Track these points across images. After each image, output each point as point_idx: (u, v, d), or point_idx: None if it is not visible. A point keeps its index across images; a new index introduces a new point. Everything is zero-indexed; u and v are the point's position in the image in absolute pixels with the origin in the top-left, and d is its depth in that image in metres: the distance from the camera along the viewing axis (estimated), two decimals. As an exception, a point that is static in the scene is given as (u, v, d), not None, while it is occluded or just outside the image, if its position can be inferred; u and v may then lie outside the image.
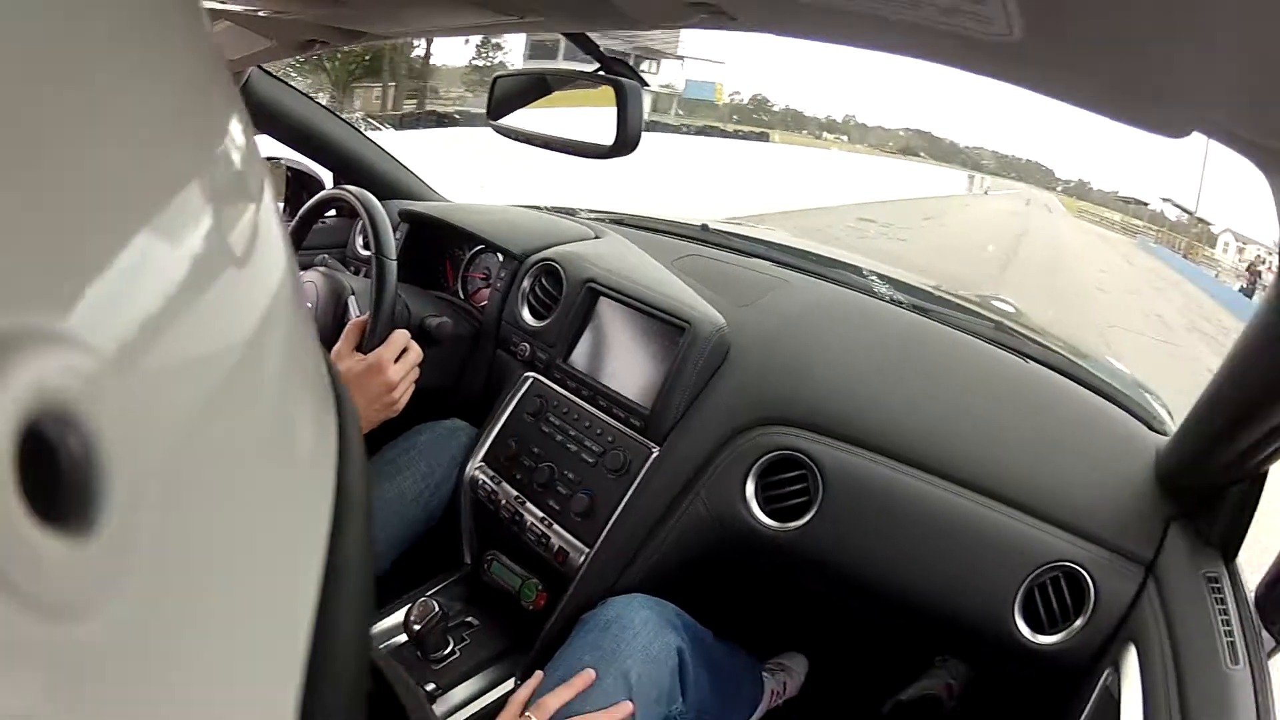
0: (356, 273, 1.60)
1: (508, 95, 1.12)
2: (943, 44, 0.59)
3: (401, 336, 1.33)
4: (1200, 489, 1.12)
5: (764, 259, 1.79)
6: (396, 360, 1.31)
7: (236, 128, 0.23)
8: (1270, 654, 0.98)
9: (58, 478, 0.14)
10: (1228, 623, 0.97)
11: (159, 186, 0.18)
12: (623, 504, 1.35)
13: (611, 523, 1.35)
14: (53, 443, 0.14)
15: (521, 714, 1.09)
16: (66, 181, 0.15)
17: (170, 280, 0.17)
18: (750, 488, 1.32)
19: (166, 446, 0.17)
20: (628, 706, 1.09)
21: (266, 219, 0.24)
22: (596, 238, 1.74)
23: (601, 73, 0.95)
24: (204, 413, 0.18)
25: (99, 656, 0.14)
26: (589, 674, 1.10)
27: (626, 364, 1.45)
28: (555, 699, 1.08)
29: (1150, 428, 1.34)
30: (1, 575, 0.12)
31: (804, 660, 1.75)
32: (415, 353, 1.34)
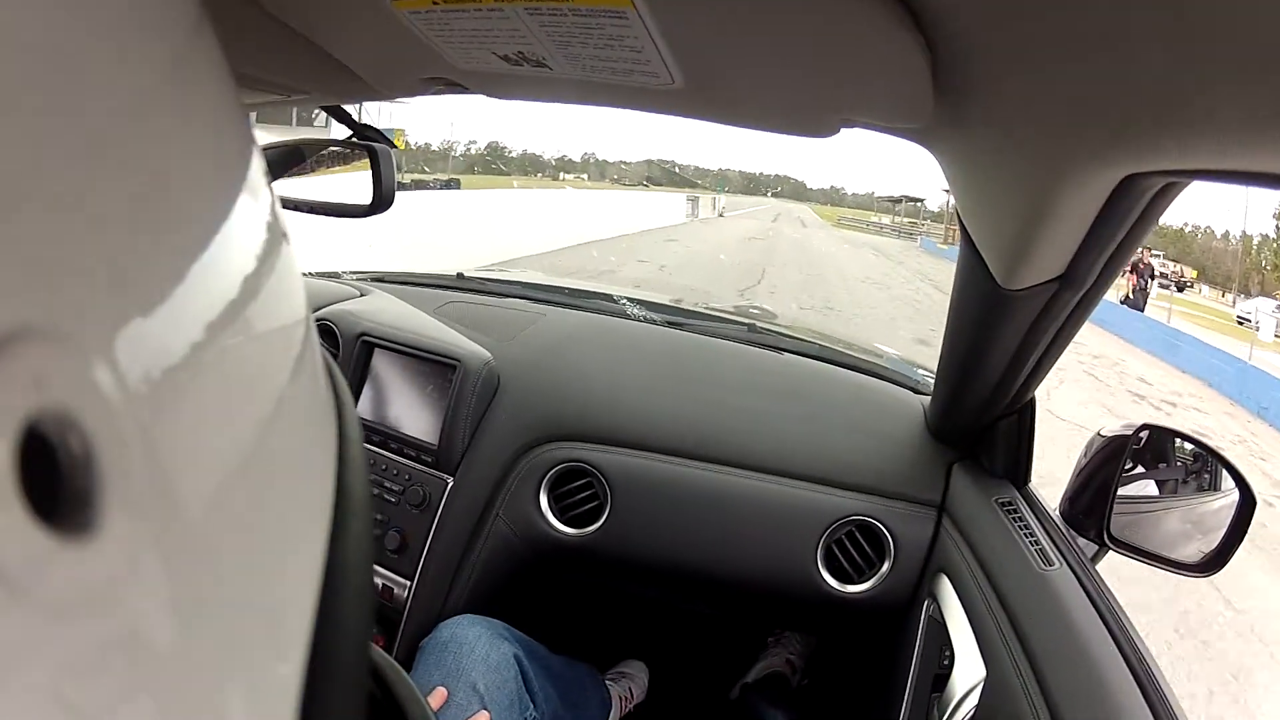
0: None
1: (269, 166, 1.16)
2: (628, 95, 0.69)
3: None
4: (970, 431, 1.21)
5: (520, 298, 1.87)
6: None
7: (258, 162, 0.24)
8: (1094, 558, 1.03)
9: (58, 478, 0.14)
10: (1030, 534, 1.02)
11: (162, 189, 0.18)
12: (431, 534, 1.40)
13: (425, 553, 1.39)
14: (53, 443, 0.14)
15: None
16: (69, 181, 0.15)
17: (173, 282, 0.17)
18: (544, 501, 1.40)
19: (169, 448, 0.17)
20: (484, 715, 1.12)
21: (275, 228, 0.24)
22: (362, 295, 1.76)
23: (354, 139, 1.03)
24: (205, 414, 0.18)
25: (98, 656, 0.14)
26: (441, 692, 1.13)
27: (408, 406, 1.49)
28: None
29: (917, 392, 1.49)
30: (2, 575, 0.12)
31: (643, 665, 1.79)
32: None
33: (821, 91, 0.61)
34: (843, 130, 0.69)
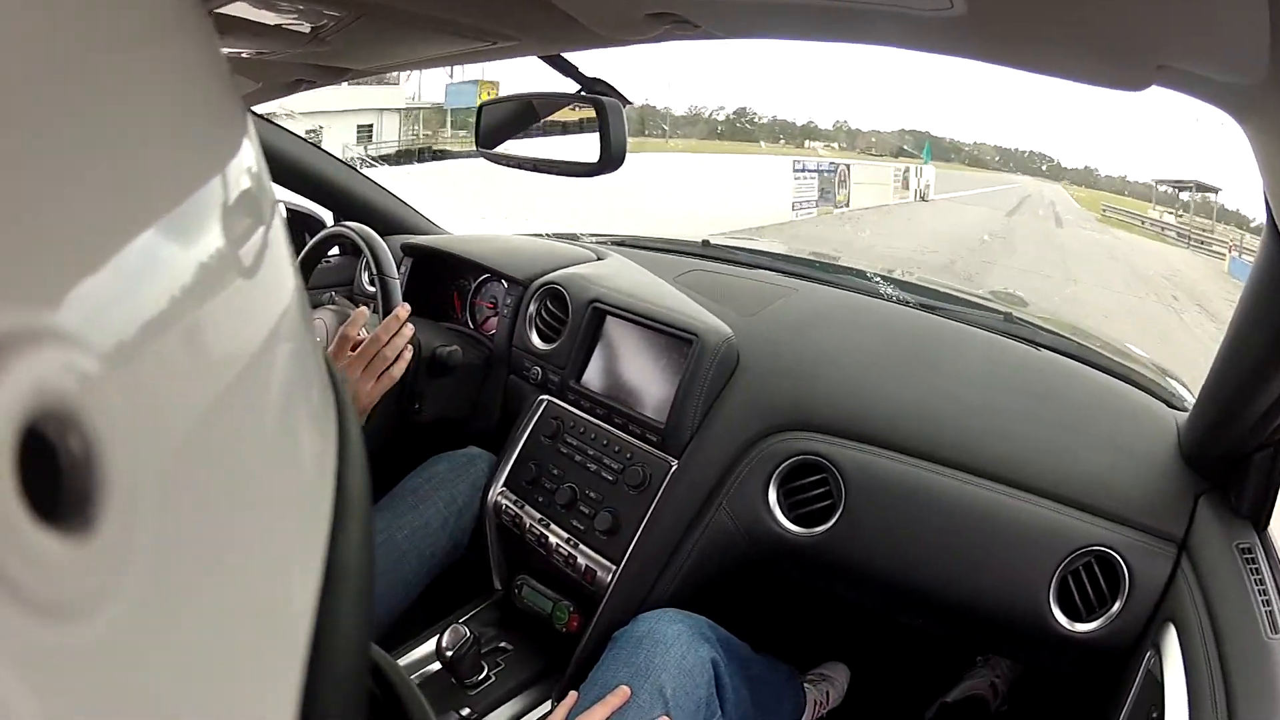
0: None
1: (496, 123, 1.15)
2: (890, 26, 0.60)
3: (394, 319, 1.34)
4: (1224, 460, 1.10)
5: (767, 269, 1.79)
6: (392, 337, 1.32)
7: (247, 148, 0.24)
8: None
9: (58, 477, 0.14)
10: (1264, 592, 0.94)
11: (167, 193, 0.18)
12: (646, 519, 1.35)
13: (636, 539, 1.35)
14: (53, 443, 0.14)
15: None
16: (72, 182, 0.15)
17: (176, 285, 0.18)
18: (773, 495, 1.32)
19: (167, 448, 0.17)
20: (624, 690, 1.09)
21: (275, 235, 0.25)
22: (599, 259, 1.76)
23: (583, 93, 0.97)
24: (206, 415, 0.18)
25: (99, 656, 0.14)
26: (624, 690, 1.10)
27: (638, 380, 1.46)
28: (591, 718, 1.07)
29: (1171, 405, 1.32)
30: (2, 574, 0.12)
31: (845, 669, 1.73)
32: (409, 328, 1.35)
33: (1139, 23, 0.52)
34: (1155, 87, 0.59)
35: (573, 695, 1.14)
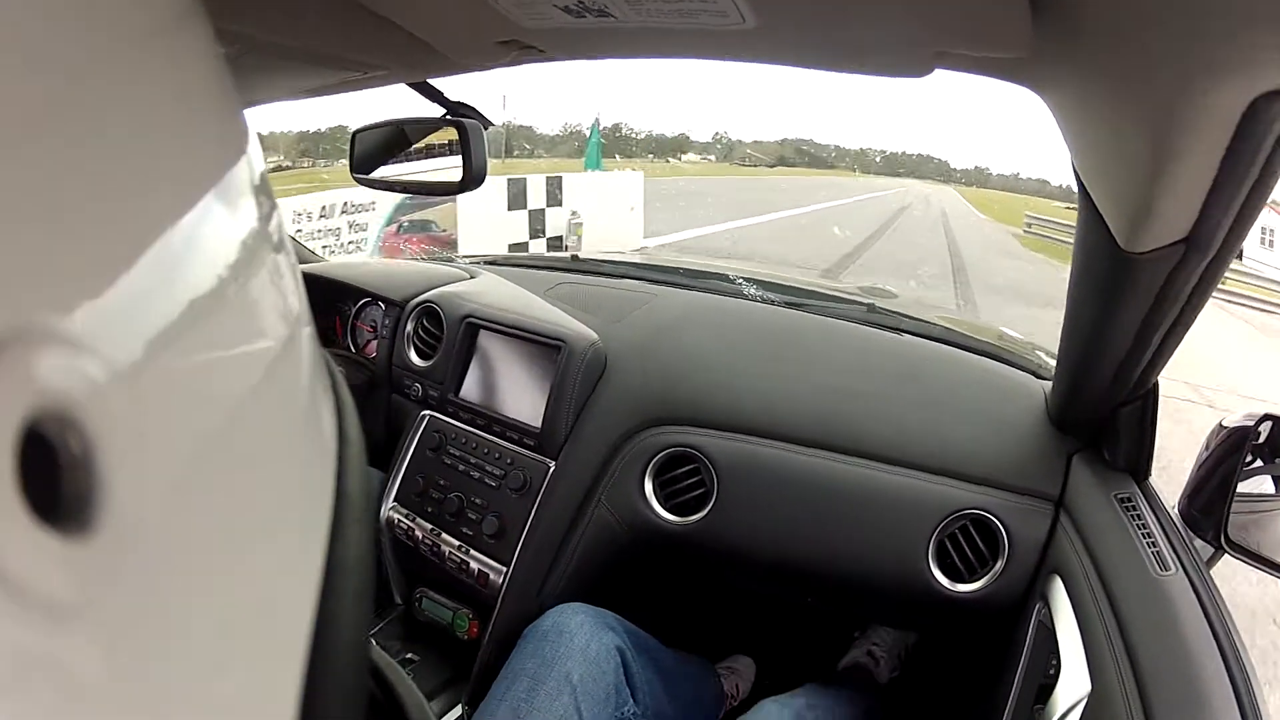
0: None
1: (370, 150, 1.18)
2: (698, 41, 0.66)
3: None
4: (1092, 419, 1.14)
5: (633, 278, 1.84)
6: None
7: (252, 147, 0.24)
8: (1210, 561, 0.98)
9: (58, 477, 0.14)
10: (1149, 535, 0.97)
11: (172, 197, 0.18)
12: (530, 520, 1.39)
13: (523, 539, 1.38)
14: (53, 443, 0.14)
15: None
16: (75, 185, 0.15)
17: (178, 287, 0.18)
18: (649, 487, 1.37)
19: (168, 449, 0.17)
20: None
21: (277, 239, 0.25)
22: (471, 278, 1.78)
23: (447, 116, 1.03)
24: (206, 416, 0.19)
25: (99, 655, 0.14)
26: None
27: (513, 389, 1.49)
28: None
29: (1039, 377, 1.40)
30: (2, 574, 0.12)
31: (750, 661, 1.76)
32: None
33: (909, 18, 0.56)
34: (937, 70, 0.63)
35: None
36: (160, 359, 0.16)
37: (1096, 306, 0.88)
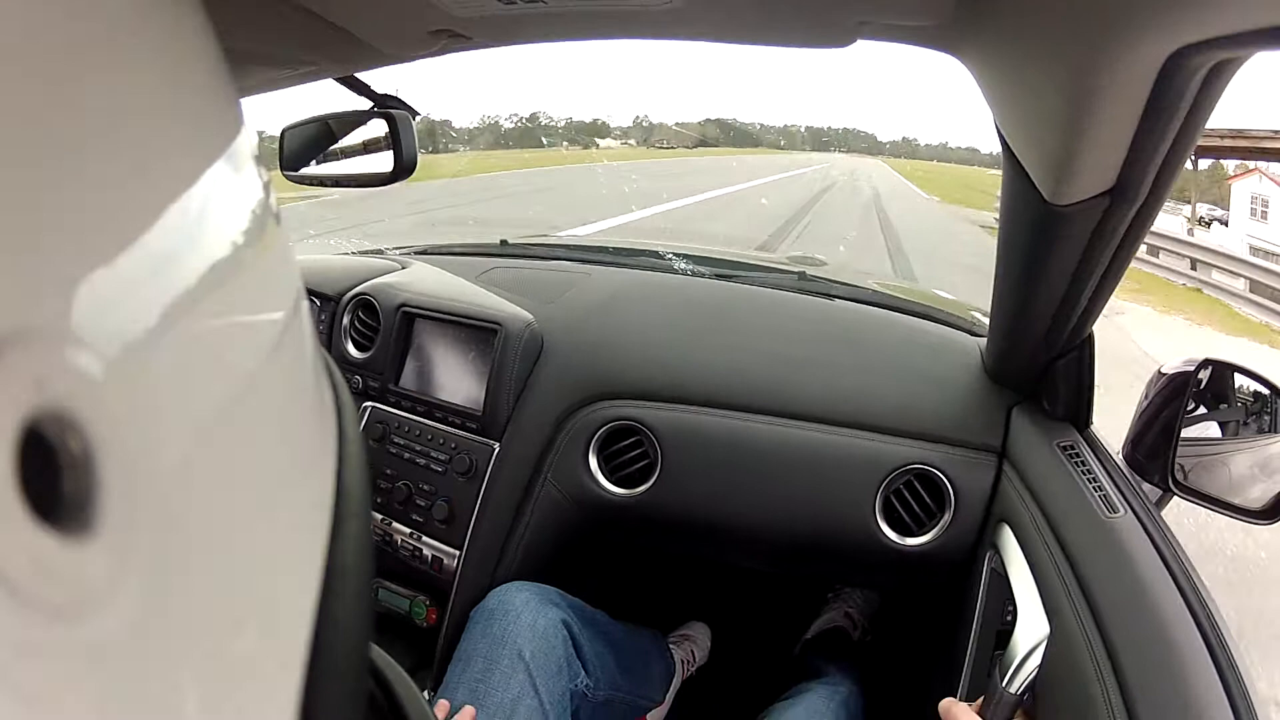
0: None
1: (299, 146, 1.18)
2: (629, 20, 0.67)
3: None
4: (1028, 372, 1.16)
5: (564, 260, 1.86)
6: None
7: (246, 134, 0.24)
8: (1159, 503, 1.00)
9: (58, 478, 0.14)
10: (1094, 480, 0.98)
11: (171, 194, 0.18)
12: (479, 502, 1.41)
13: (473, 522, 1.40)
14: (53, 443, 0.14)
15: None
16: (75, 184, 0.15)
17: (179, 287, 0.17)
18: (593, 462, 1.40)
19: (168, 449, 0.17)
20: (469, 711, 1.07)
21: (275, 234, 0.24)
22: (403, 268, 1.78)
23: (375, 109, 1.04)
24: (207, 416, 0.18)
25: (99, 656, 0.14)
26: (469, 711, 1.08)
27: (452, 374, 1.50)
28: None
29: (974, 334, 1.44)
30: (2, 575, 0.12)
31: (705, 628, 1.80)
32: None
33: None
34: (860, 41, 0.65)
35: (469, 710, 1.09)
36: (162, 358, 0.17)
37: (1026, 260, 0.90)
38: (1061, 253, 0.83)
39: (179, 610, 0.17)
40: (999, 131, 0.75)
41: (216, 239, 0.20)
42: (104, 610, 0.14)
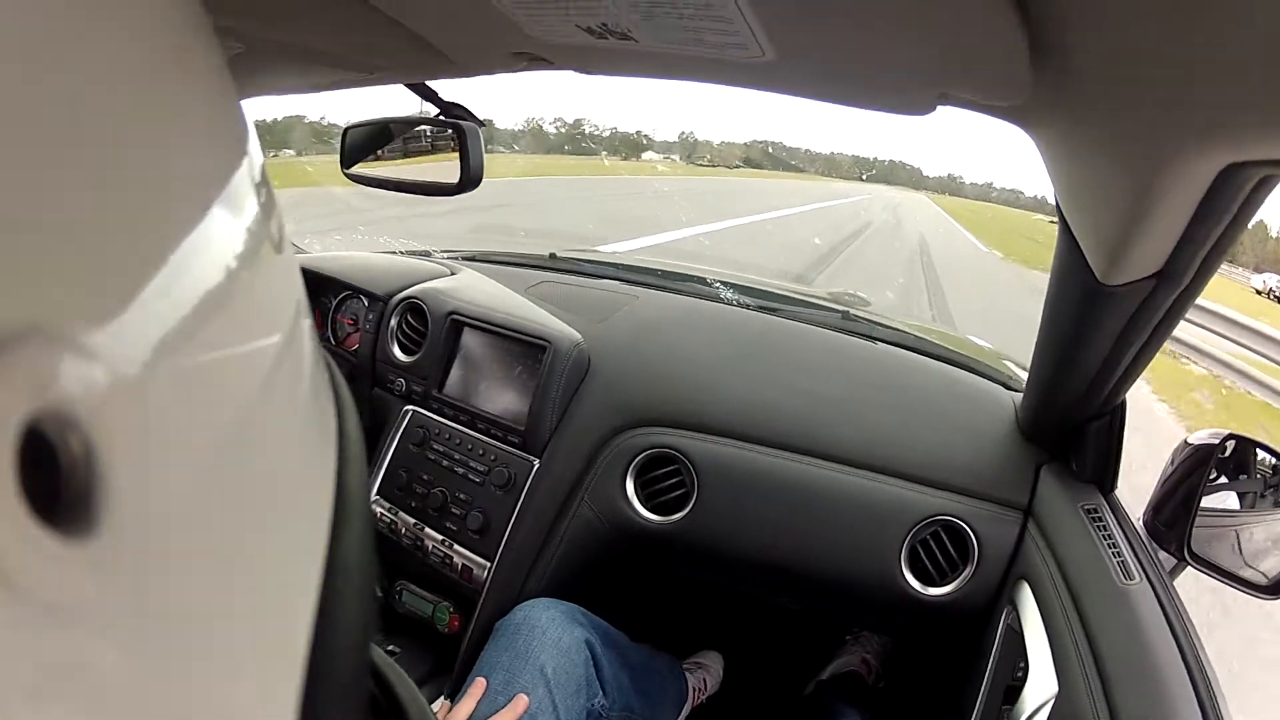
0: None
1: (358, 145, 1.19)
2: (718, 68, 0.68)
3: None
4: (1060, 432, 1.17)
5: (612, 279, 1.86)
6: None
7: (251, 139, 0.24)
8: (1173, 573, 1.01)
9: (58, 478, 0.14)
10: (1114, 546, 0.99)
11: (174, 192, 0.18)
12: (514, 516, 1.41)
13: (507, 535, 1.40)
14: (54, 443, 0.14)
15: None
16: (76, 185, 0.15)
17: (180, 287, 0.17)
18: (630, 486, 1.39)
19: (168, 449, 0.17)
20: (522, 699, 1.11)
21: (278, 233, 0.24)
22: (452, 274, 1.79)
23: (442, 117, 1.04)
24: (207, 416, 0.18)
25: (99, 656, 0.14)
26: (480, 683, 1.14)
27: (497, 386, 1.50)
28: (461, 711, 1.10)
29: (1009, 388, 1.44)
30: (2, 575, 0.12)
31: (719, 656, 1.79)
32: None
33: (917, 64, 0.59)
34: (940, 109, 0.66)
35: (480, 683, 1.15)
36: (164, 357, 0.16)
37: (1070, 329, 0.91)
38: (1104, 327, 0.86)
39: (178, 610, 0.17)
40: (1058, 206, 0.77)
41: (223, 249, 0.20)
42: (104, 610, 0.14)
